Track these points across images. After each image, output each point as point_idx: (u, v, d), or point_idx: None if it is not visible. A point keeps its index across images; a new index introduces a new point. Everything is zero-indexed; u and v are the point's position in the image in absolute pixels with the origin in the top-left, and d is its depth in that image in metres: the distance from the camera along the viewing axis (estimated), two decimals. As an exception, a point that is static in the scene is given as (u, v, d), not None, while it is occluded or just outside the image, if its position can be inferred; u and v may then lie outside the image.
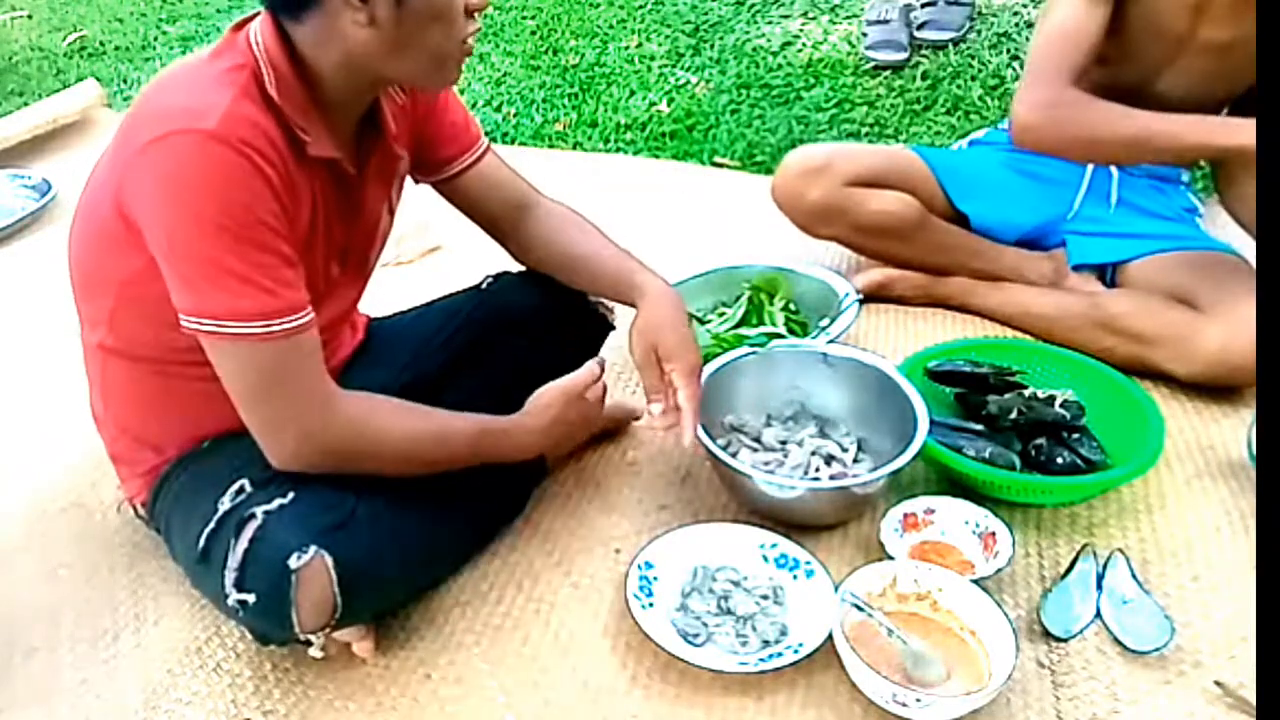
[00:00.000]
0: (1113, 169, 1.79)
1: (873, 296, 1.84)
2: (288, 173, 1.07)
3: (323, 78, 1.09)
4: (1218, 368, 1.53)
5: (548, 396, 1.32)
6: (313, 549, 1.07)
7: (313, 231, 1.15)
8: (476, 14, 1.10)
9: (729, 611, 1.25)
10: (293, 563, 1.06)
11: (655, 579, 1.28)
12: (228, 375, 1.09)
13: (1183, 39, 1.61)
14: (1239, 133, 1.48)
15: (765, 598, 1.26)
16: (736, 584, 1.28)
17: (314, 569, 1.07)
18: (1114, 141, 1.58)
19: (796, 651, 1.17)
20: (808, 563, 1.28)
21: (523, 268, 1.45)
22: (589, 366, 1.36)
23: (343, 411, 1.14)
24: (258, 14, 1.10)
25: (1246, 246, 1.67)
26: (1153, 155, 1.64)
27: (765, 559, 1.31)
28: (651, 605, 1.25)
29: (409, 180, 1.35)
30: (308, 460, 1.13)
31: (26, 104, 2.94)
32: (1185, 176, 1.83)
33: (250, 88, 1.05)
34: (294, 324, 1.07)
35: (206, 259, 1.02)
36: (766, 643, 1.21)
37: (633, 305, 1.33)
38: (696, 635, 1.22)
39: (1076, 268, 1.79)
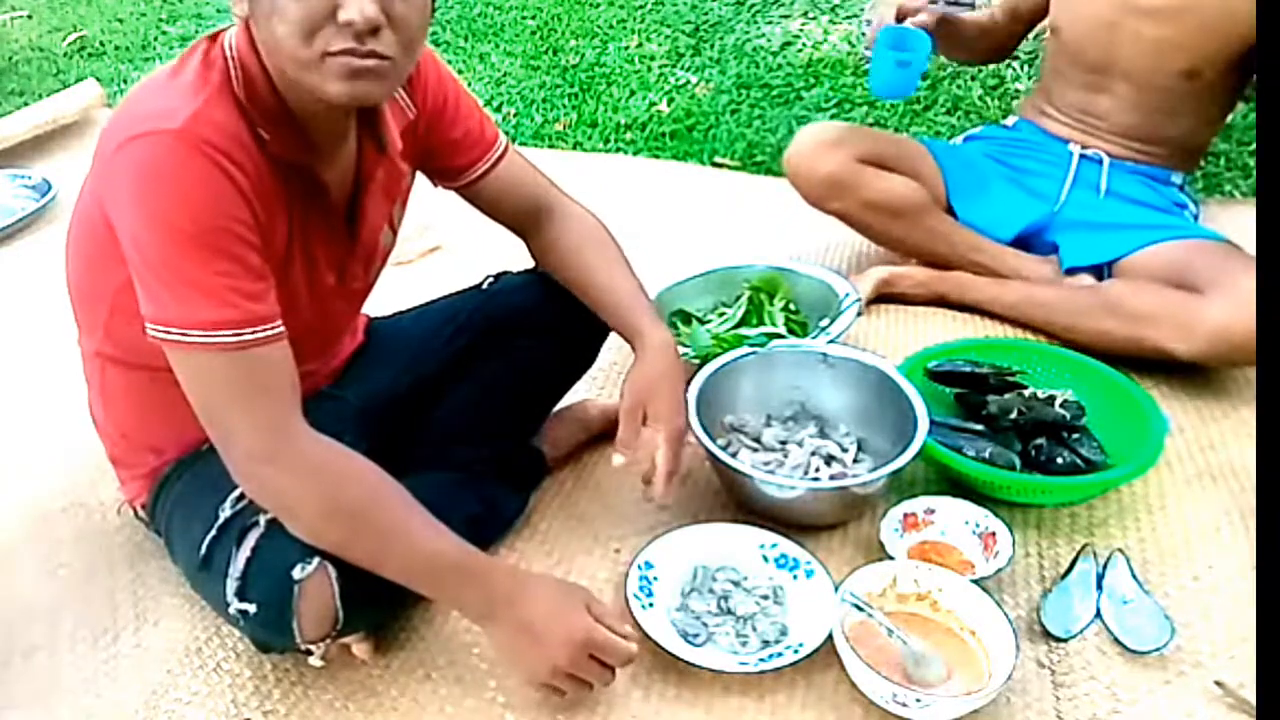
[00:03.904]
0: (1104, 158, 1.80)
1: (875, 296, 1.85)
2: (260, 179, 1.03)
3: (277, 82, 1.04)
4: (1219, 344, 1.52)
5: (564, 608, 1.10)
6: (316, 560, 1.06)
7: (290, 244, 1.11)
8: (352, 26, 0.94)
9: (729, 611, 1.25)
10: (296, 573, 1.05)
11: (655, 579, 1.28)
12: (187, 386, 1.03)
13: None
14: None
15: (765, 598, 1.26)
16: (736, 584, 1.28)
17: (317, 580, 1.06)
18: None
19: (796, 651, 1.17)
20: (808, 563, 1.28)
21: (524, 267, 1.44)
22: (627, 643, 1.13)
23: (300, 445, 1.03)
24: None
25: (1245, 243, 1.66)
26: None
27: (765, 559, 1.31)
28: (651, 605, 1.25)
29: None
30: (253, 482, 1.04)
31: (26, 104, 2.94)
32: (1176, 179, 1.83)
33: (223, 90, 1.02)
34: (252, 336, 1.00)
35: (168, 266, 0.98)
36: (766, 643, 1.21)
37: (631, 346, 1.30)
38: (696, 635, 1.22)
39: (1071, 270, 1.78)
